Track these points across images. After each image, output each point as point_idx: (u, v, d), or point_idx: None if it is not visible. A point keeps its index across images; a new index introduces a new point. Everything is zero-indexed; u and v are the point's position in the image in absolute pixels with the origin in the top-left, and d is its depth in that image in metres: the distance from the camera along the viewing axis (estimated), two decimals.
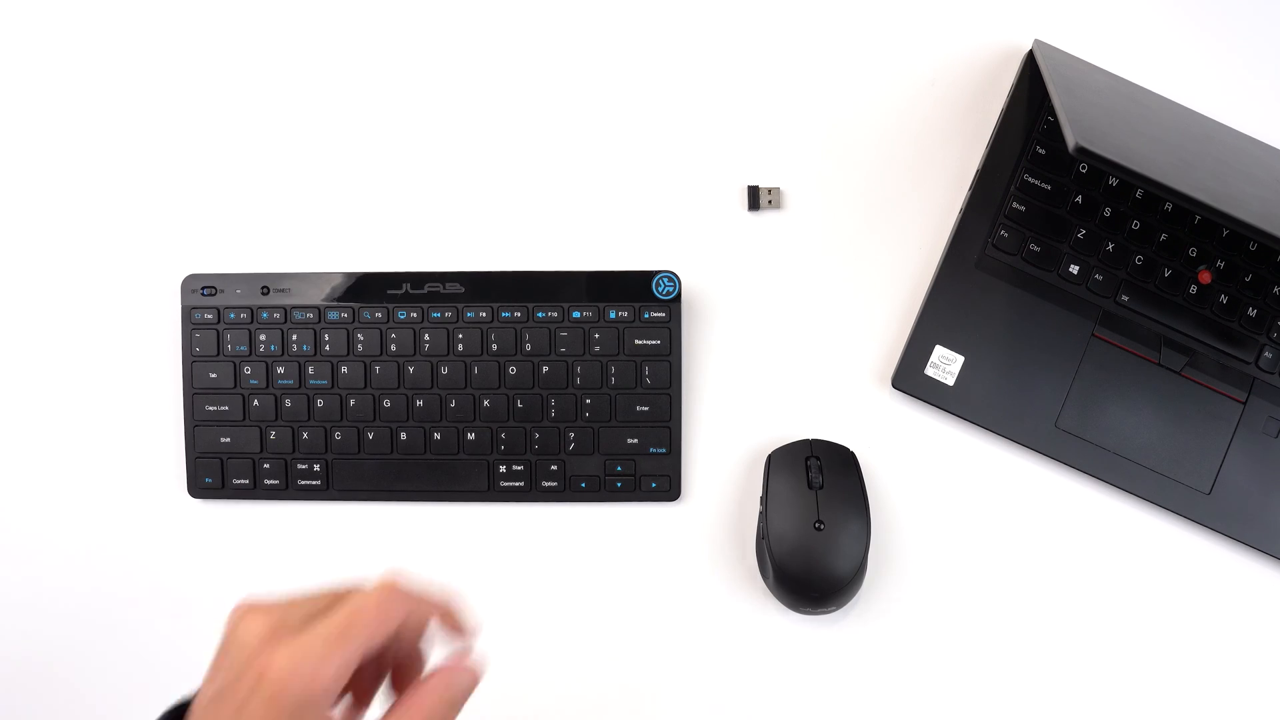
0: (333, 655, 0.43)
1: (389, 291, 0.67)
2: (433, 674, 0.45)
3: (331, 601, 0.46)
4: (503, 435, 0.66)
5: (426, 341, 0.66)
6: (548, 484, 0.66)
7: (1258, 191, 0.56)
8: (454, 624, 0.48)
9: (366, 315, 0.67)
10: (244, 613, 0.46)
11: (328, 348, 0.67)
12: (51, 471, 0.69)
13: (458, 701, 0.45)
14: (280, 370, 0.67)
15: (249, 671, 0.44)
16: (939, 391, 0.65)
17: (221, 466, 0.67)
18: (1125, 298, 0.65)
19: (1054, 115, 0.65)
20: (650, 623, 0.66)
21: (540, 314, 0.66)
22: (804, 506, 0.62)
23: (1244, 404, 0.64)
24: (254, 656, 0.45)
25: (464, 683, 0.45)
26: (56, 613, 0.68)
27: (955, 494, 0.66)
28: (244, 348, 0.67)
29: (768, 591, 0.65)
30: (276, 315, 0.67)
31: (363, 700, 0.47)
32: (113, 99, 0.70)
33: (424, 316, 0.67)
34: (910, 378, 0.65)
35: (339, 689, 0.44)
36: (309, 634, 0.44)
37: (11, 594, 0.68)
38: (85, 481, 0.69)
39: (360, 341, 0.67)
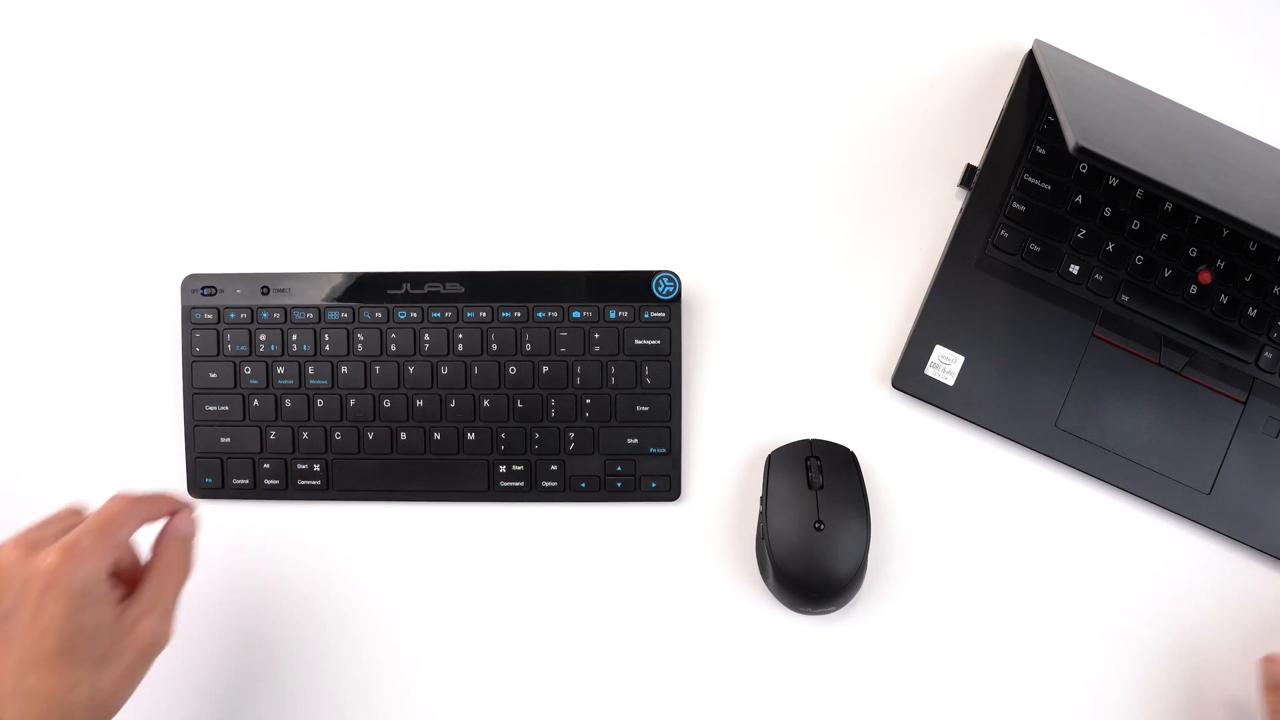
0: (101, 541, 0.51)
1: (389, 291, 0.67)
2: (162, 530, 0.55)
3: (69, 516, 0.53)
4: (503, 435, 0.66)
5: (426, 341, 0.66)
6: (548, 484, 0.66)
7: (1258, 191, 0.56)
8: (181, 509, 0.56)
9: (366, 315, 0.67)
10: None
11: (328, 348, 0.67)
12: (52, 471, 0.69)
13: (189, 540, 0.56)
14: (280, 370, 0.67)
15: (28, 584, 0.50)
16: (939, 391, 0.65)
17: (221, 466, 0.67)
18: (1125, 298, 0.65)
19: (1054, 115, 0.65)
20: (650, 623, 0.66)
21: (540, 314, 0.66)
22: (804, 506, 0.62)
23: (1244, 404, 0.64)
24: (26, 569, 0.50)
25: (188, 526, 0.56)
26: None
27: (955, 494, 0.66)
28: (244, 348, 0.67)
29: (768, 591, 0.65)
30: (276, 315, 0.67)
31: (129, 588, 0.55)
32: (113, 99, 0.70)
33: (424, 316, 0.67)
34: (910, 378, 0.65)
35: (108, 570, 0.51)
36: (71, 535, 0.51)
37: None
38: (86, 481, 0.69)
39: (360, 341, 0.67)
